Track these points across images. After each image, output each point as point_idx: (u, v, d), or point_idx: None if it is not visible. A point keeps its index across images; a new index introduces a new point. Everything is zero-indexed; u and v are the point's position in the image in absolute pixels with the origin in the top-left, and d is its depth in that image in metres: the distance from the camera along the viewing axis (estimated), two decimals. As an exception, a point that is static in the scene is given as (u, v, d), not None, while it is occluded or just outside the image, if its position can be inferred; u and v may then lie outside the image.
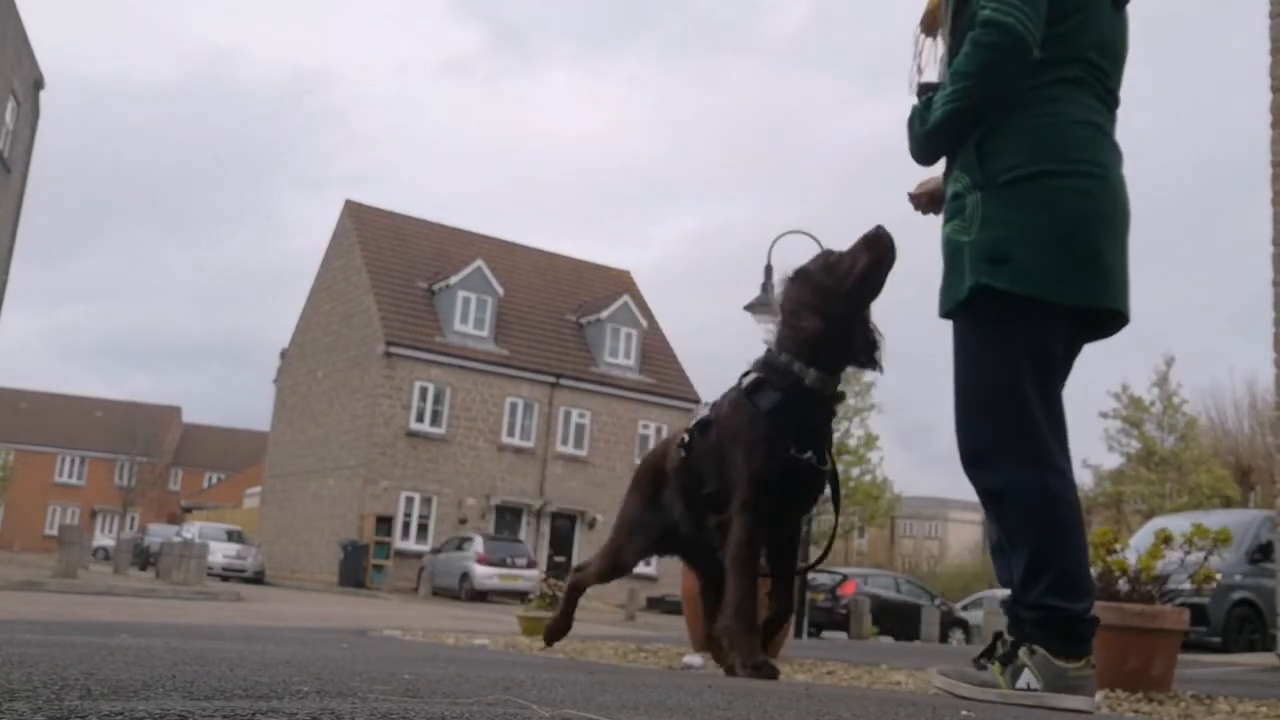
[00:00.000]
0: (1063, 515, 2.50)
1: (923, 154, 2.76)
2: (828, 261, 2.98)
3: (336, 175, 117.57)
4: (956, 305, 2.60)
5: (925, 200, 2.95)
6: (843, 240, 3.01)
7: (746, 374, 3.07)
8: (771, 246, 15.69)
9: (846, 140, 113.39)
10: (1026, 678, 2.48)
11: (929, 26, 2.84)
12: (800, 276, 3.03)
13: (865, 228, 2.95)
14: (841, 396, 3.05)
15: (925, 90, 2.76)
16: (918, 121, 2.70)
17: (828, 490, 3.09)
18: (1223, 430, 31.81)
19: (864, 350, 3.00)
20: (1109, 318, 2.63)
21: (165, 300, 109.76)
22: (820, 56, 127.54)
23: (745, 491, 2.93)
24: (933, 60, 2.82)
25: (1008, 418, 2.54)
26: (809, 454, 2.90)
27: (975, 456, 2.62)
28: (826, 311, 2.92)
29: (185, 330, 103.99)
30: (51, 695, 1.44)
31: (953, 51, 2.64)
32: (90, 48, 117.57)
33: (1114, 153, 2.65)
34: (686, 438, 3.21)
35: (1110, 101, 2.68)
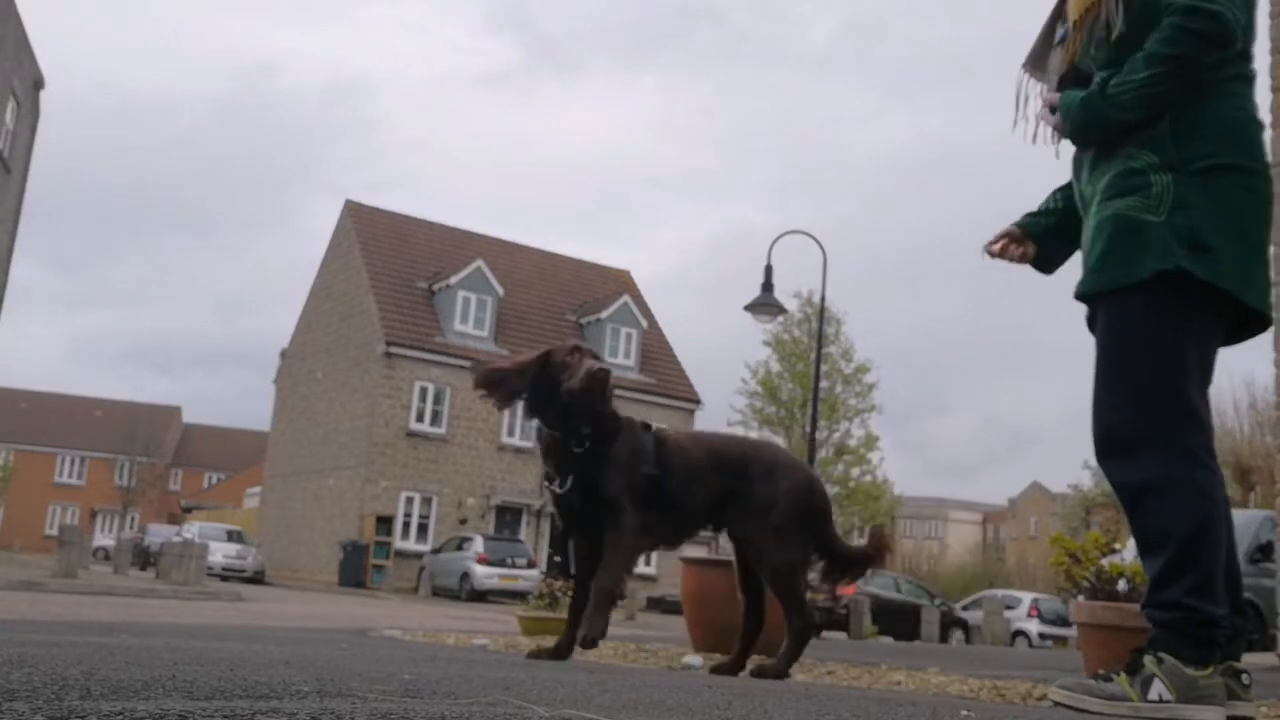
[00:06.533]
0: (1211, 514, 2.37)
1: (1099, 135, 2.59)
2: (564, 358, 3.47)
3: (364, 183, 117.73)
4: (1125, 285, 2.46)
5: (1002, 247, 2.85)
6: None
7: None
8: (772, 246, 15.72)
9: (863, 150, 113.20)
10: (1158, 688, 2.32)
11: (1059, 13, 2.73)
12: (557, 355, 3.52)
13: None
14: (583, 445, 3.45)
15: (1064, 82, 2.67)
16: (1098, 101, 2.53)
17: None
18: (1222, 430, 31.78)
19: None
20: (1257, 323, 2.54)
21: (186, 307, 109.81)
22: (844, 70, 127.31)
23: None
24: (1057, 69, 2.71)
25: (1166, 407, 2.41)
26: (555, 483, 3.50)
27: (1120, 446, 2.46)
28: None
29: (200, 335, 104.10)
30: (51, 695, 1.45)
31: (1125, 41, 2.51)
32: (130, 57, 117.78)
33: None
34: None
35: None
